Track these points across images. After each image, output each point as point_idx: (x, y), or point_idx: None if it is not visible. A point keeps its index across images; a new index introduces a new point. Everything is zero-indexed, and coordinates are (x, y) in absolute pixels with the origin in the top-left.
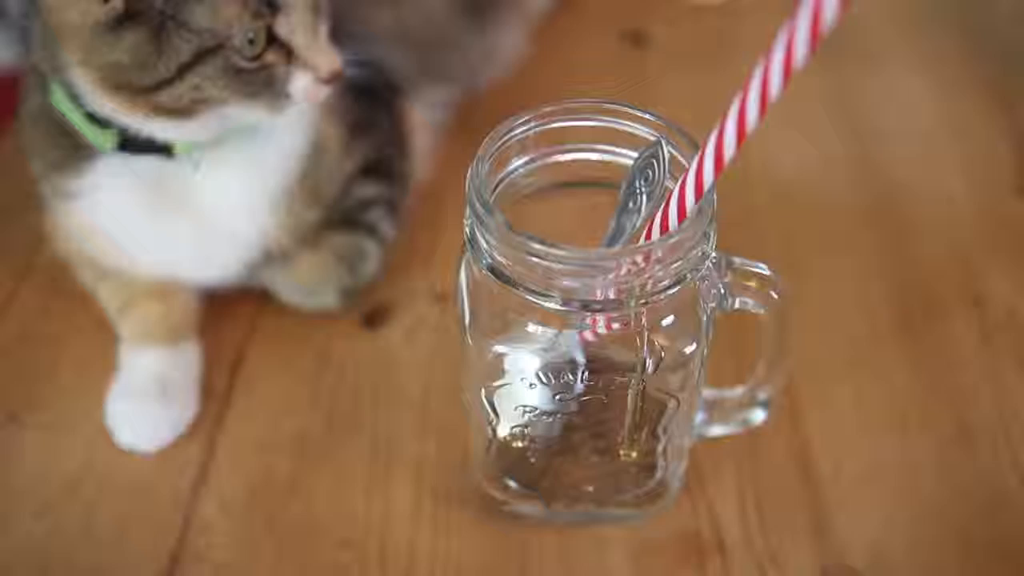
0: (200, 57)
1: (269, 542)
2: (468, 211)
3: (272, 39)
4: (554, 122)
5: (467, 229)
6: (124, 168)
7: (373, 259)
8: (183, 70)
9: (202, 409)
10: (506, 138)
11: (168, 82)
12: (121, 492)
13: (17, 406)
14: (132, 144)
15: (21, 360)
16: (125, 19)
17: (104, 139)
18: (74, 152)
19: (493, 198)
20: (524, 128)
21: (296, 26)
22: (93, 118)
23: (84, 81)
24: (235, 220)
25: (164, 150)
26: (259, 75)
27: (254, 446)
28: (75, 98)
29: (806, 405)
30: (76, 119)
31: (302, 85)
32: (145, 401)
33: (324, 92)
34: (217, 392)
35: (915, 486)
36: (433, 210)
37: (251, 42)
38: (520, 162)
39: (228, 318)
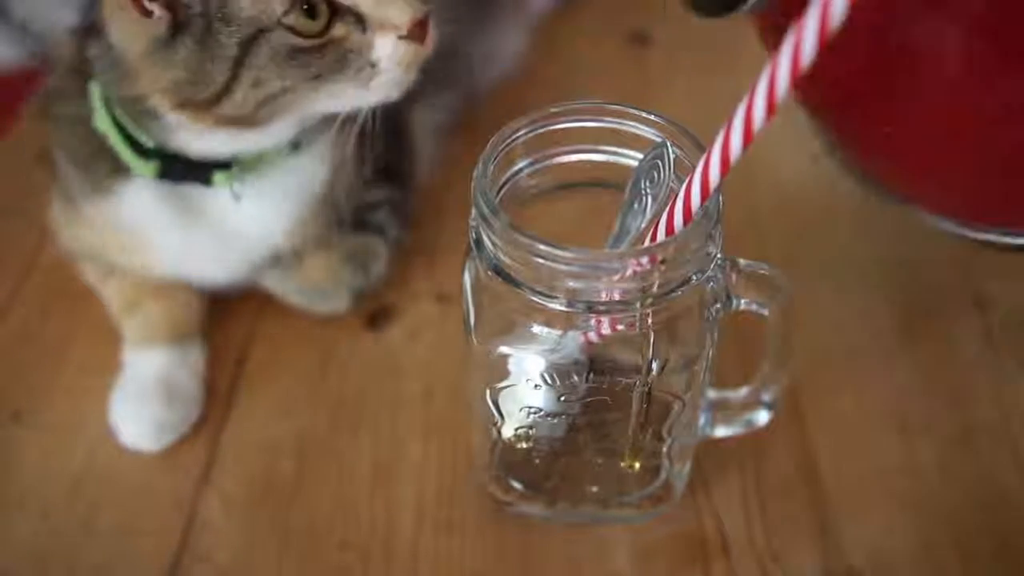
0: (248, 46)
1: (272, 543)
2: (473, 212)
3: (335, 9)
4: (558, 123)
5: (472, 231)
6: (160, 185)
7: (382, 259)
8: (236, 67)
9: (205, 409)
10: (511, 140)
11: (225, 89)
12: (124, 492)
13: (20, 406)
14: (172, 174)
15: (23, 360)
16: (174, 32)
17: (145, 169)
18: (111, 165)
19: (498, 199)
20: (529, 129)
21: None
22: (136, 146)
23: (161, 111)
24: (262, 236)
25: (203, 179)
26: (325, 53)
27: (257, 446)
28: (120, 126)
29: (809, 406)
30: (120, 147)
31: (388, 50)
32: (149, 401)
33: (418, 52)
34: (220, 392)
35: (917, 487)
36: (436, 211)
37: (311, 17)
38: (525, 163)
39: (232, 318)
